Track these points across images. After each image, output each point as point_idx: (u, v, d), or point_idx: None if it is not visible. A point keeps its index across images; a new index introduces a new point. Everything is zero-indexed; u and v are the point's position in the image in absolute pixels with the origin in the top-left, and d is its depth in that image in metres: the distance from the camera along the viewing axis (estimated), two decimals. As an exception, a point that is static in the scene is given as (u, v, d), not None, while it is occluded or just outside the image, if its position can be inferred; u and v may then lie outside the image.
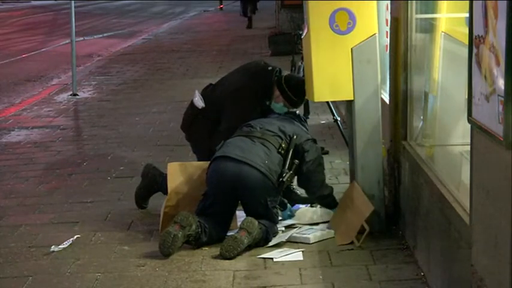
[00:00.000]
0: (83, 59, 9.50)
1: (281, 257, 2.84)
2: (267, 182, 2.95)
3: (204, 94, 3.54)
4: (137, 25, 15.55)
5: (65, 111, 6.20)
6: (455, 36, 2.56)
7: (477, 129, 1.84)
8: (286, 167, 3.00)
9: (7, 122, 5.81)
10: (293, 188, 3.38)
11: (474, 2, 1.80)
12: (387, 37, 3.37)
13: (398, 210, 3.08)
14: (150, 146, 4.83)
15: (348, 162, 3.47)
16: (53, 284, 2.69)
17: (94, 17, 17.64)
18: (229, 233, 2.96)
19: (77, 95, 6.88)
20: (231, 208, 3.05)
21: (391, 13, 3.24)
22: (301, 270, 2.73)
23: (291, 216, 3.24)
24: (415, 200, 2.78)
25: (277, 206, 3.08)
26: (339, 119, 4.31)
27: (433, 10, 2.87)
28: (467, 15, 1.90)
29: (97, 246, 3.04)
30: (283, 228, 3.13)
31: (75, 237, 3.11)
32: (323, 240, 3.00)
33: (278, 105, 3.41)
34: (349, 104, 3.12)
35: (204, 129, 3.46)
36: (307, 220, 3.18)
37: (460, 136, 2.49)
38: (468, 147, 2.00)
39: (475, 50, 1.81)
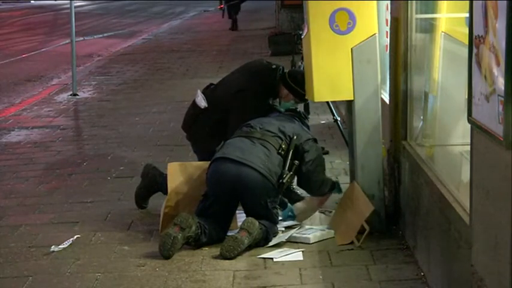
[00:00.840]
0: (83, 59, 9.50)
1: (281, 257, 2.84)
2: (266, 183, 2.95)
3: (205, 94, 3.53)
4: (137, 25, 15.56)
5: (65, 111, 6.20)
6: (455, 36, 2.56)
7: (477, 129, 1.84)
8: (286, 168, 2.99)
9: (7, 122, 5.81)
10: (293, 188, 3.38)
11: (474, 2, 1.80)
12: (387, 37, 3.37)
13: (399, 210, 3.08)
14: (150, 146, 4.83)
15: (348, 162, 3.46)
16: (53, 284, 2.69)
17: (94, 17, 17.64)
18: (230, 233, 2.96)
19: (77, 95, 6.88)
20: (231, 209, 3.04)
21: (391, 13, 3.24)
22: (301, 270, 2.73)
23: (291, 216, 3.24)
24: (415, 200, 2.78)
25: (277, 206, 3.08)
26: (339, 119, 4.31)
27: (433, 10, 2.87)
28: (467, 15, 1.90)
29: (97, 246, 3.04)
30: (283, 229, 3.12)
31: (75, 237, 3.11)
32: (323, 240, 3.00)
33: (288, 103, 3.41)
34: (349, 104, 3.12)
35: (205, 129, 3.45)
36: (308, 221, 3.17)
37: (460, 136, 2.49)
38: (468, 147, 2.00)
39: (475, 50, 1.80)
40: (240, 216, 3.09)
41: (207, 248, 2.94)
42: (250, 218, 2.93)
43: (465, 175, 2.13)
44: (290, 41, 4.81)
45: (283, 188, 3.03)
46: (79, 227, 3.29)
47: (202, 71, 8.39)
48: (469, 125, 1.91)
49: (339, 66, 3.01)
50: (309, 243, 2.96)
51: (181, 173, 3.19)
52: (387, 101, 3.27)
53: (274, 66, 3.46)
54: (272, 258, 2.83)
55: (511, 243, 1.64)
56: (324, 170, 3.16)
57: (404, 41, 2.97)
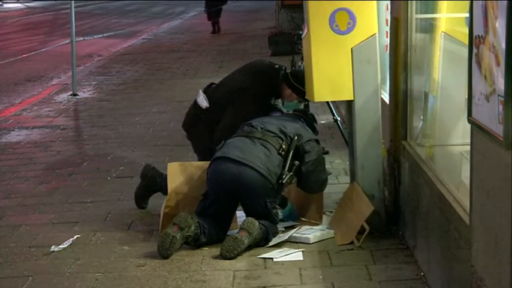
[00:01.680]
0: (83, 59, 9.50)
1: (281, 257, 2.84)
2: (266, 183, 2.94)
3: (206, 93, 3.52)
4: (137, 25, 15.55)
5: (65, 111, 6.20)
6: (455, 36, 2.56)
7: (477, 129, 1.84)
8: (286, 168, 2.99)
9: (7, 122, 5.80)
10: None
11: (474, 2, 1.80)
12: (387, 37, 3.37)
13: (399, 210, 3.07)
14: (150, 146, 4.83)
15: (348, 162, 3.46)
16: (53, 284, 2.69)
17: (94, 17, 17.63)
18: (230, 233, 2.96)
19: (77, 95, 6.88)
20: (230, 209, 3.04)
21: (391, 13, 3.23)
22: (301, 270, 2.73)
23: (292, 215, 3.24)
24: (415, 200, 2.78)
25: (277, 206, 3.08)
26: (339, 119, 4.30)
27: (433, 10, 2.87)
28: (467, 15, 1.90)
29: (97, 246, 3.04)
30: (283, 229, 3.12)
31: (75, 237, 3.11)
32: (323, 240, 3.00)
33: (292, 103, 3.41)
34: (349, 104, 3.12)
35: (205, 130, 3.44)
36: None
37: (460, 136, 2.49)
38: (468, 147, 2.00)
39: (475, 50, 1.80)
40: (240, 216, 3.09)
41: (207, 248, 2.93)
42: (250, 218, 2.93)
43: (465, 175, 2.13)
44: (290, 41, 4.82)
45: (283, 188, 3.03)
46: (79, 227, 3.28)
47: (202, 71, 8.39)
48: (469, 125, 1.91)
49: (339, 66, 3.01)
50: (309, 243, 2.96)
51: (181, 173, 3.19)
52: (387, 101, 3.27)
53: (277, 66, 3.47)
54: (272, 258, 2.83)
55: (511, 243, 1.64)
56: (323, 170, 3.16)
57: (404, 41, 2.97)
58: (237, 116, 3.32)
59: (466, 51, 1.89)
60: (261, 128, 3.08)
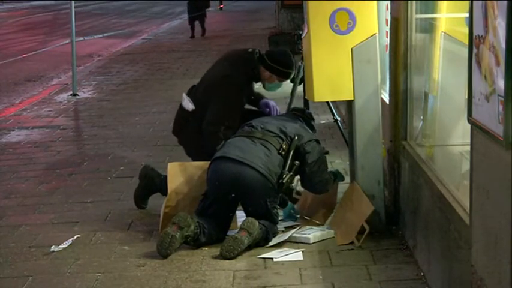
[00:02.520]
0: (83, 59, 9.50)
1: (281, 257, 2.84)
2: (266, 183, 2.94)
3: (190, 95, 3.48)
4: (137, 25, 15.55)
5: (65, 111, 6.20)
6: (455, 36, 2.56)
7: (477, 129, 1.84)
8: (286, 168, 2.99)
9: (7, 122, 5.80)
10: (293, 189, 3.37)
11: (474, 2, 1.80)
12: (387, 37, 3.37)
13: (399, 210, 3.07)
14: (150, 146, 4.83)
15: (348, 162, 3.46)
16: (53, 284, 2.69)
17: (94, 17, 17.63)
18: (230, 233, 2.96)
19: (77, 95, 6.88)
20: (230, 208, 3.04)
21: (391, 13, 3.23)
22: (301, 270, 2.72)
23: (293, 215, 3.24)
24: (415, 200, 2.78)
25: (277, 206, 3.08)
26: (339, 119, 4.30)
27: (433, 10, 2.87)
28: (467, 15, 1.90)
29: (97, 246, 3.04)
30: (283, 229, 3.12)
31: (75, 237, 3.11)
32: (323, 240, 3.00)
33: (272, 84, 3.41)
34: (349, 104, 3.12)
35: (196, 131, 3.41)
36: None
37: (460, 136, 2.49)
38: (468, 147, 2.00)
39: (475, 50, 1.80)
40: (240, 216, 3.09)
41: (206, 248, 2.93)
42: (250, 218, 2.93)
43: (465, 175, 2.13)
44: (290, 41, 4.82)
45: (283, 188, 3.03)
46: (79, 227, 3.28)
47: (202, 71, 8.30)
48: (469, 125, 1.91)
49: (339, 66, 3.01)
50: (309, 243, 2.96)
51: (181, 173, 3.19)
52: (387, 101, 3.27)
53: (250, 50, 3.46)
54: (272, 258, 2.83)
55: (511, 243, 1.64)
56: (326, 169, 3.16)
57: (404, 41, 2.97)
58: (222, 105, 3.27)
59: (466, 51, 1.89)
60: (261, 128, 3.08)
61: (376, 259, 2.79)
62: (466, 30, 1.90)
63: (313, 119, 3.34)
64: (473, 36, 1.80)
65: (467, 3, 1.86)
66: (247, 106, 3.53)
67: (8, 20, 17.20)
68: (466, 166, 2.13)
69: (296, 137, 3.04)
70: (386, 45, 3.41)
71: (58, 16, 17.31)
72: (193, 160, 3.48)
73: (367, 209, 2.94)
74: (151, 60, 9.58)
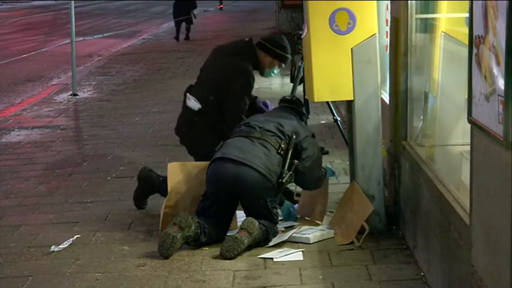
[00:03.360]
0: (83, 59, 9.50)
1: (281, 257, 2.84)
2: (266, 183, 2.94)
3: (192, 94, 3.43)
4: (137, 25, 15.56)
5: (65, 111, 6.20)
6: (455, 36, 2.56)
7: (477, 129, 1.84)
8: (286, 167, 2.99)
9: (7, 122, 5.80)
10: (293, 192, 3.37)
11: (474, 2, 1.80)
12: (387, 37, 3.37)
13: (399, 210, 3.08)
14: (150, 146, 4.83)
15: (348, 162, 3.46)
16: (53, 284, 2.69)
17: (94, 17, 17.63)
18: (230, 233, 2.96)
19: (77, 95, 6.88)
20: (230, 209, 3.04)
21: (391, 13, 3.24)
22: (301, 270, 2.73)
23: (291, 216, 3.23)
24: (415, 200, 2.78)
25: (276, 206, 3.08)
26: (339, 119, 4.30)
27: (433, 10, 2.87)
28: (467, 15, 1.90)
29: (97, 246, 3.04)
30: (283, 229, 3.12)
31: (75, 237, 3.11)
32: (323, 240, 3.00)
33: (272, 69, 3.41)
34: (349, 104, 3.12)
35: (203, 131, 3.39)
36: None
37: (460, 136, 2.49)
38: (468, 147, 2.00)
39: (475, 50, 1.80)
40: (240, 216, 3.09)
41: (207, 248, 2.93)
42: (250, 217, 2.93)
43: (465, 175, 2.13)
44: (290, 41, 4.81)
45: (283, 188, 3.03)
46: (79, 227, 3.28)
47: (203, 71, 8.36)
48: (469, 125, 1.91)
49: (339, 66, 3.01)
50: (309, 243, 2.96)
51: (181, 172, 3.19)
52: (387, 101, 3.27)
53: (247, 39, 3.47)
54: (272, 258, 2.83)
55: (511, 243, 1.64)
56: (320, 166, 3.14)
57: (405, 41, 2.97)
58: (241, 95, 3.27)
59: (466, 51, 1.89)
60: (259, 128, 3.08)
61: (376, 259, 2.79)
62: (466, 30, 1.91)
63: (302, 106, 3.33)
64: (473, 36, 1.81)
65: (467, 3, 1.86)
66: None
67: (8, 20, 17.20)
68: (466, 166, 2.13)
69: (294, 136, 3.04)
70: (387, 45, 3.41)
71: (58, 16, 17.31)
72: (196, 160, 3.47)
73: (367, 209, 2.94)
74: (151, 60, 9.58)
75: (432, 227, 2.50)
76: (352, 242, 2.92)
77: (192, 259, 2.84)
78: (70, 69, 7.20)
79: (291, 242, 2.97)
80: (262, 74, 3.48)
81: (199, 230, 2.90)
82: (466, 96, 1.90)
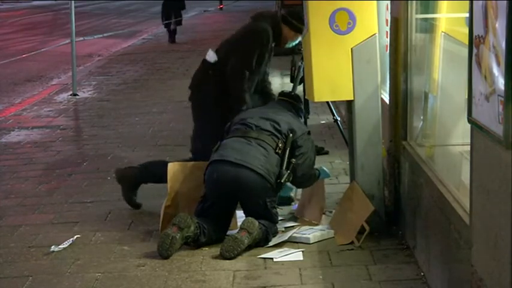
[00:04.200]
0: (83, 59, 9.50)
1: (281, 257, 2.84)
2: (265, 183, 2.94)
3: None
4: (137, 25, 15.55)
5: (65, 111, 6.20)
6: (455, 36, 2.56)
7: (477, 129, 1.84)
8: (284, 167, 2.99)
9: (7, 122, 5.81)
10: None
11: (474, 2, 1.80)
12: (387, 37, 3.37)
13: (398, 210, 3.08)
14: (149, 146, 4.84)
15: (347, 162, 3.46)
16: (53, 284, 2.69)
17: (94, 17, 17.63)
18: (230, 233, 2.96)
19: (77, 95, 6.88)
20: (230, 209, 3.04)
21: (391, 13, 3.24)
22: (301, 270, 2.73)
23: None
24: (415, 200, 2.78)
25: (276, 205, 3.08)
26: (338, 119, 4.30)
27: (433, 10, 2.88)
28: (467, 15, 1.90)
29: (97, 246, 3.04)
30: (283, 229, 3.12)
31: (75, 237, 3.11)
32: (323, 240, 3.00)
33: (293, 41, 3.42)
34: (349, 104, 3.12)
35: (213, 89, 3.29)
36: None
37: (460, 136, 2.49)
38: (468, 147, 2.00)
39: (475, 50, 1.81)
40: (240, 216, 3.09)
41: (207, 248, 2.94)
42: (249, 217, 2.93)
43: (465, 175, 2.14)
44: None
45: (282, 187, 3.03)
46: (79, 227, 3.29)
47: (202, 71, 8.35)
48: (469, 125, 1.91)
49: (339, 66, 3.01)
50: (308, 243, 2.96)
51: (181, 173, 3.19)
52: (387, 101, 3.27)
53: (275, 10, 3.46)
54: (272, 258, 2.83)
55: (511, 243, 1.65)
56: (312, 164, 3.11)
57: (405, 41, 2.97)
58: (248, 53, 3.25)
59: (466, 51, 1.89)
60: (256, 127, 3.06)
61: (376, 259, 2.79)
62: (466, 30, 1.91)
63: (301, 101, 3.32)
64: (473, 36, 1.81)
65: (467, 3, 1.86)
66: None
67: (8, 20, 17.20)
68: (466, 166, 2.13)
69: (291, 134, 3.03)
70: (387, 45, 3.41)
71: (58, 16, 17.31)
72: (197, 129, 3.39)
73: (367, 209, 2.94)
74: (151, 60, 9.58)
75: (432, 227, 2.51)
76: (352, 242, 2.93)
77: (192, 259, 2.85)
78: (70, 69, 7.21)
79: (291, 242, 2.98)
80: (280, 45, 3.44)
81: (198, 231, 2.90)
82: (466, 96, 1.90)
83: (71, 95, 6.87)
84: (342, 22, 2.97)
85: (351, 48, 3.01)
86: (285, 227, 3.15)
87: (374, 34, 3.03)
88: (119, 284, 2.66)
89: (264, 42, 3.33)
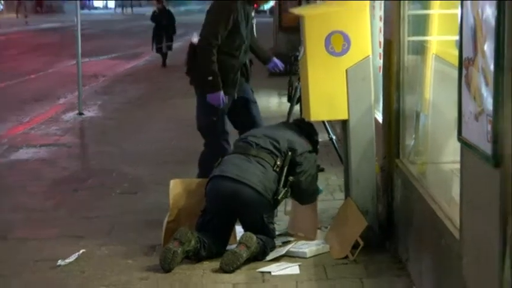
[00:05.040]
0: (88, 79, 9.62)
1: (279, 270, 2.90)
2: (262, 199, 3.00)
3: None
4: (140, 47, 15.74)
5: (71, 130, 6.28)
6: (446, 58, 2.61)
7: (467, 147, 1.87)
8: (281, 184, 3.05)
9: (16, 140, 5.88)
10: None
11: (464, 25, 1.84)
12: (380, 58, 3.45)
13: (392, 225, 3.11)
14: (152, 163, 4.89)
15: (343, 179, 3.53)
16: (59, 296, 2.75)
17: (99, 39, 17.86)
18: (229, 248, 3.03)
19: (83, 113, 6.98)
20: (229, 224, 3.11)
21: (384, 35, 3.30)
22: (297, 283, 2.78)
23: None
24: (407, 215, 2.82)
25: (273, 221, 3.14)
26: (334, 137, 4.37)
27: (425, 33, 2.94)
28: (457, 38, 1.94)
29: (102, 260, 3.09)
30: (281, 243, 3.18)
31: (81, 251, 3.16)
32: (319, 254, 3.05)
33: (267, 4, 3.61)
34: (344, 122, 3.18)
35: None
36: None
37: (450, 154, 2.51)
38: (458, 165, 2.03)
39: (464, 72, 1.84)
40: (239, 231, 3.15)
41: (207, 262, 2.99)
42: (248, 232, 2.99)
43: (455, 191, 2.16)
44: (287, 62, 4.94)
45: (279, 204, 3.11)
46: (84, 241, 3.33)
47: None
48: (459, 144, 1.95)
49: (334, 87, 3.08)
50: (305, 258, 3.01)
51: (182, 189, 3.25)
52: (380, 120, 3.33)
53: None
54: (270, 272, 2.88)
55: (499, 256, 1.68)
56: (314, 180, 3.17)
57: (397, 62, 3.02)
58: (213, 19, 3.39)
59: (456, 72, 1.93)
60: (256, 145, 3.13)
61: (369, 272, 2.84)
62: (456, 52, 1.94)
63: (312, 128, 3.33)
64: (463, 58, 1.84)
65: (458, 26, 1.90)
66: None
67: (17, 42, 17.44)
68: (456, 183, 2.15)
69: (290, 152, 3.10)
70: (380, 67, 3.48)
71: (64, 38, 17.54)
72: (198, 106, 3.52)
73: (361, 224, 3.00)
74: (153, 80, 9.70)
75: (424, 241, 2.55)
76: (346, 256, 2.98)
77: (193, 272, 2.90)
78: (76, 89, 7.31)
79: (288, 256, 3.03)
80: (258, 7, 3.60)
81: (199, 245, 2.96)
82: (456, 116, 1.94)
83: (77, 113, 6.97)
84: (337, 44, 3.07)
85: (346, 69, 3.10)
86: (282, 242, 3.20)
87: (368, 55, 3.11)
88: (122, 296, 2.72)
89: (232, 8, 3.43)
